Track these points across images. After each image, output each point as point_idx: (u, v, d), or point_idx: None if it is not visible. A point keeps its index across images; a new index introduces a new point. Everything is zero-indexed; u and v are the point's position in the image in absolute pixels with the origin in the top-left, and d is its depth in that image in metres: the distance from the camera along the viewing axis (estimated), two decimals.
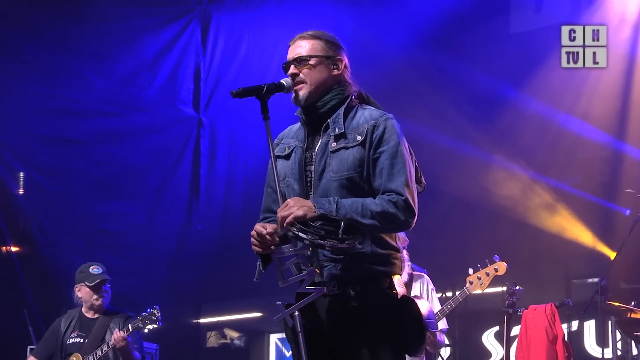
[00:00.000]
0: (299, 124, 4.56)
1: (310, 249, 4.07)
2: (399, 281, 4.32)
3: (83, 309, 8.48)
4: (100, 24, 11.30)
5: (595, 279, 9.48)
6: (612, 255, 10.12)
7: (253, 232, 4.19)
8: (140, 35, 11.60)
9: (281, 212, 4.07)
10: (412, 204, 4.18)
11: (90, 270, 8.42)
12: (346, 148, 4.29)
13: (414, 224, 4.20)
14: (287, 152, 4.49)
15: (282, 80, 4.38)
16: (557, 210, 11.03)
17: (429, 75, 10.94)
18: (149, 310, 8.24)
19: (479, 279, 7.87)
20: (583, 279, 11.40)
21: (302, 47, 4.48)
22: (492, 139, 11.24)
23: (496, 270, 7.87)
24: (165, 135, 11.73)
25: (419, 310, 4.28)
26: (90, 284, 8.35)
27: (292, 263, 4.10)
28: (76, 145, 11.15)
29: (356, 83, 4.52)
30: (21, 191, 10.97)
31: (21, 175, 10.99)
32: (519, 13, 11.59)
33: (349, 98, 4.46)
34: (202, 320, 11.97)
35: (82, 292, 8.44)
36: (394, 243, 4.31)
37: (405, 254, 7.26)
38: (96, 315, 8.41)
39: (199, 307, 11.93)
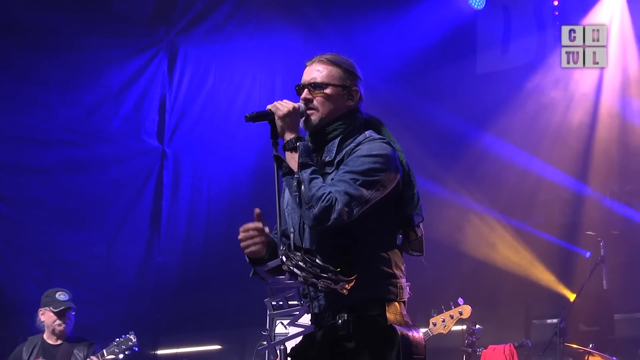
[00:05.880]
0: None
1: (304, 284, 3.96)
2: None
3: (45, 335, 8.46)
4: (67, 53, 11.22)
5: (555, 320, 9.51)
6: (571, 297, 10.17)
7: (241, 235, 4.17)
8: (107, 65, 11.53)
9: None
10: (333, 213, 3.96)
11: (57, 296, 8.41)
12: (329, 174, 4.17)
13: (324, 227, 3.99)
14: None
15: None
16: (518, 251, 11.08)
17: (395, 113, 10.93)
18: (124, 336, 8.24)
19: (443, 321, 7.82)
20: (543, 320, 11.45)
21: (319, 71, 4.35)
22: (456, 178, 11.30)
23: (461, 313, 7.83)
24: (129, 166, 11.65)
25: (411, 338, 4.10)
26: (55, 310, 8.33)
27: (285, 296, 4.00)
28: (38, 173, 11.03)
29: (369, 112, 4.42)
30: None
31: None
32: (485, 54, 11.70)
33: (351, 127, 4.31)
34: (159, 352, 11.85)
35: (46, 316, 8.41)
36: (387, 270, 4.17)
37: None
38: (59, 342, 8.39)
39: (157, 339, 11.81)
